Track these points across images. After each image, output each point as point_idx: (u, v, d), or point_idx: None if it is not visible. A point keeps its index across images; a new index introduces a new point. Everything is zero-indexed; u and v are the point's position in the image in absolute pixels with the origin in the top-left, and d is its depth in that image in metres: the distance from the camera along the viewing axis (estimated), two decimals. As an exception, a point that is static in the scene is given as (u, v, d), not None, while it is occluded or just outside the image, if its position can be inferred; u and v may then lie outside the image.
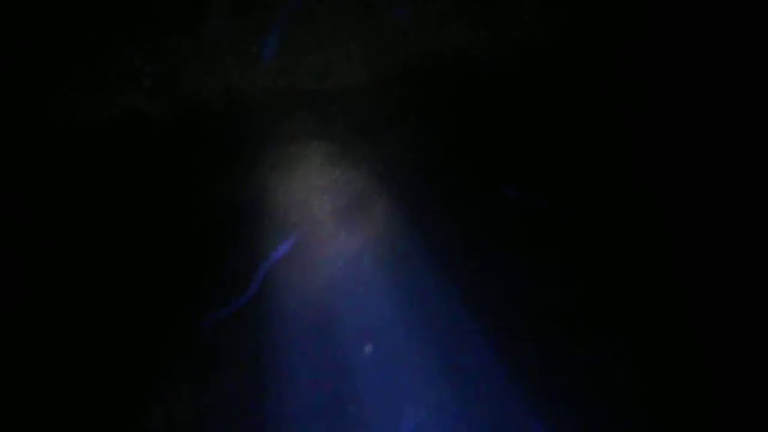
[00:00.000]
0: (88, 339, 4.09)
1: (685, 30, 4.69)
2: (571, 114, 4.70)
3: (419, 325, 4.41)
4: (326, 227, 4.60)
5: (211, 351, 4.33)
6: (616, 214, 4.55)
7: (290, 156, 4.56)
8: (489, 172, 4.72)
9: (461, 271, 4.57)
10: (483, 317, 4.38)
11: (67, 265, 4.23)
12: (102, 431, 4.00)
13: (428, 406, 4.29)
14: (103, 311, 4.21)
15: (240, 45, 4.36)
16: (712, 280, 4.26)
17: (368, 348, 4.40)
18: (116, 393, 4.08)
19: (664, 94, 4.64)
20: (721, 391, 4.00)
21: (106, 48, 4.18)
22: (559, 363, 4.19)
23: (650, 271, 4.38)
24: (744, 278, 4.19)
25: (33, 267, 4.19)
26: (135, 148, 4.27)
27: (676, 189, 4.51)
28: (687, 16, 4.70)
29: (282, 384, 4.28)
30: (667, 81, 4.65)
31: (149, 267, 4.31)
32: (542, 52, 4.67)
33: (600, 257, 4.41)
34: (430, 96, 4.71)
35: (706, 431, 3.96)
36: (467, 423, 4.18)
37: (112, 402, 4.06)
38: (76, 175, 4.26)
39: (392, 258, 4.58)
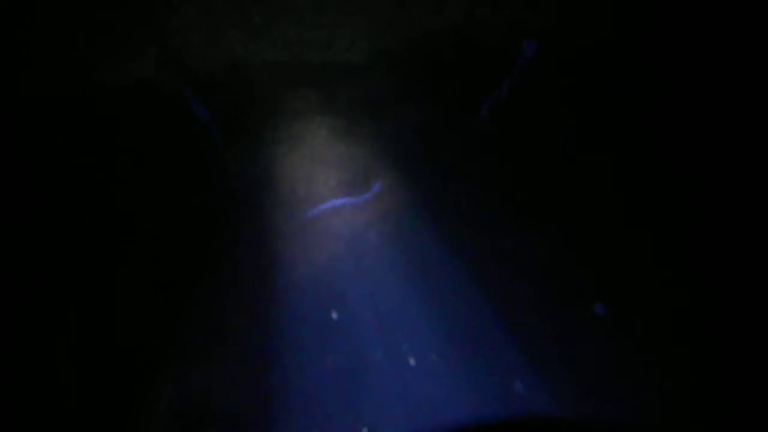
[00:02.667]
0: (90, 323, 3.64)
1: (686, 28, 5.01)
2: (566, 93, 4.89)
3: (424, 296, 4.32)
4: (331, 202, 4.45)
5: (219, 331, 3.96)
6: (616, 190, 4.63)
7: (295, 131, 4.44)
8: (489, 150, 4.81)
9: (465, 243, 4.54)
10: (488, 288, 4.33)
11: (71, 234, 3.81)
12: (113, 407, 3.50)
13: (435, 375, 4.13)
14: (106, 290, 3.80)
15: (242, 15, 4.29)
16: (714, 279, 4.20)
17: (374, 320, 4.22)
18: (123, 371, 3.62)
19: (659, 86, 4.90)
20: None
21: (114, 17, 3.99)
22: (563, 334, 4.19)
23: (653, 259, 4.42)
24: (747, 277, 4.13)
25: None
26: (143, 114, 4.00)
27: (680, 183, 4.56)
28: (688, 14, 5.04)
29: (290, 358, 3.99)
30: (665, 76, 4.93)
31: (152, 242, 3.96)
32: (534, 33, 4.92)
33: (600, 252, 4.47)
34: (433, 72, 4.80)
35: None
36: (474, 391, 4.08)
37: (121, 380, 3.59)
38: (89, 132, 3.92)
39: (397, 232, 4.49)
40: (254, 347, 4.05)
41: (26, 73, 3.79)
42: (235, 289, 4.02)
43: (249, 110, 4.27)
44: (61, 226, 3.76)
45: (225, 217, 4.17)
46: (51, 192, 3.83)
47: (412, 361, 4.18)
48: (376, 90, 4.66)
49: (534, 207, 4.51)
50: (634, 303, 4.06)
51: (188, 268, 3.98)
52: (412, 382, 4.15)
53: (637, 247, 4.23)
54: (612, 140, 4.61)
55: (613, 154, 4.58)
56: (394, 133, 4.67)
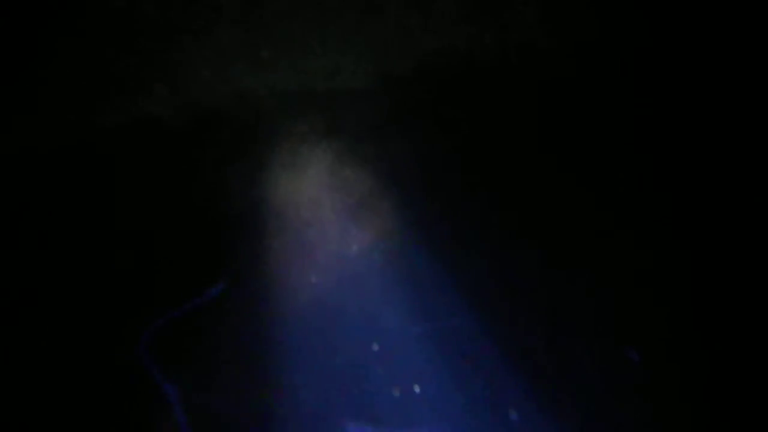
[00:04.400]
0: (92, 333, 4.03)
1: (683, 31, 4.83)
2: (573, 115, 4.77)
3: (424, 321, 4.31)
4: (336, 225, 4.57)
5: (215, 350, 4.20)
6: (616, 214, 4.49)
7: (301, 155, 4.62)
8: (492, 171, 4.73)
9: (465, 267, 4.48)
10: (486, 313, 4.26)
11: (76, 266, 4.23)
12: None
13: (431, 398, 4.11)
14: (109, 311, 4.16)
15: (250, 49, 4.55)
16: (715, 281, 4.11)
17: (375, 344, 4.27)
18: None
19: (664, 94, 4.72)
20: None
21: (119, 58, 4.39)
22: (558, 355, 4.04)
23: (651, 270, 4.26)
24: (747, 279, 4.03)
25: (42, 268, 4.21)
26: (147, 151, 4.37)
27: (677, 189, 4.46)
28: (685, 18, 4.85)
29: (287, 379, 4.13)
30: (666, 82, 4.74)
31: (158, 268, 4.29)
32: (544, 54, 4.81)
33: (600, 256, 4.31)
34: (437, 96, 4.82)
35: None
36: (470, 413, 4.02)
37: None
38: (88, 177, 4.36)
39: (400, 255, 4.51)
40: (254, 368, 4.22)
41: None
42: (233, 311, 4.24)
43: (254, 136, 4.50)
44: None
45: (230, 241, 4.41)
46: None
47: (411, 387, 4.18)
48: (382, 113, 4.73)
49: (535, 228, 4.38)
50: (638, 329, 3.86)
51: (189, 291, 4.25)
52: (409, 406, 4.15)
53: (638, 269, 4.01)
54: (613, 159, 4.41)
55: (610, 173, 4.39)
56: (400, 155, 4.71)
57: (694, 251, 4.21)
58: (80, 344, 4.05)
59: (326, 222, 4.59)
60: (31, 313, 4.09)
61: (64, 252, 4.23)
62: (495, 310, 4.31)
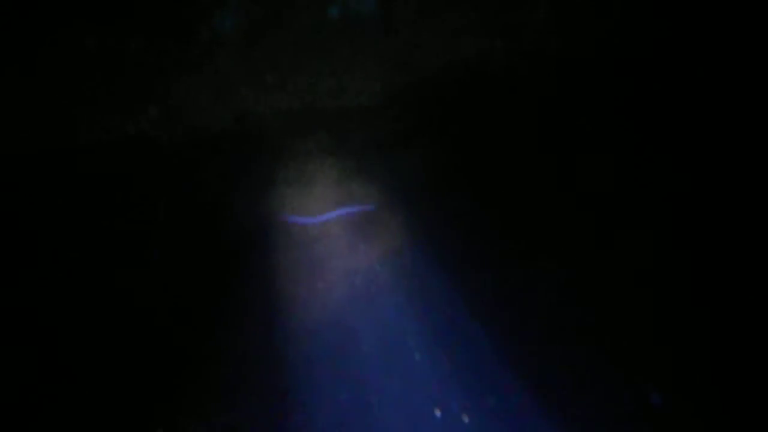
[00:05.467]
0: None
1: (691, 37, 4.69)
2: (581, 126, 4.67)
3: (431, 335, 4.25)
4: (343, 240, 4.58)
5: (225, 368, 4.25)
6: (625, 227, 4.33)
7: (307, 172, 4.68)
8: (500, 185, 4.65)
9: (474, 282, 4.40)
10: (493, 328, 4.17)
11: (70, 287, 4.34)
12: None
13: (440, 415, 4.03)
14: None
15: (254, 74, 4.67)
16: (716, 283, 3.93)
17: (384, 361, 4.23)
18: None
19: (672, 100, 4.57)
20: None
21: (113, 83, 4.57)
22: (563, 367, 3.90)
23: (653, 272, 4.07)
24: (747, 281, 3.87)
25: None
26: (142, 170, 4.50)
27: (680, 191, 4.31)
28: (693, 24, 4.72)
29: (297, 397, 4.13)
30: (675, 88, 4.60)
31: (161, 284, 4.38)
32: (554, 62, 4.74)
33: (602, 261, 4.16)
34: (444, 111, 4.80)
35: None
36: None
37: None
38: (74, 190, 4.49)
39: (408, 270, 4.48)
40: (264, 386, 4.25)
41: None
42: (245, 330, 4.29)
43: (260, 153, 4.59)
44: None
45: (238, 258, 4.49)
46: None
47: (418, 405, 4.11)
48: (389, 129, 4.75)
49: (541, 245, 4.26)
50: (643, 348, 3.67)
51: (197, 309, 4.33)
52: (419, 423, 4.08)
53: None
54: (624, 168, 4.25)
55: (621, 184, 4.23)
56: (407, 171, 4.71)
57: (696, 259, 4.02)
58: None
59: (334, 238, 4.62)
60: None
61: (52, 274, 4.30)
62: (504, 325, 4.21)
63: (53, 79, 4.54)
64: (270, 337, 4.36)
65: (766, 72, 4.26)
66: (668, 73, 4.61)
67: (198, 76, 4.45)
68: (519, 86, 4.74)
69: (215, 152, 4.53)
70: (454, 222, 4.59)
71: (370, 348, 4.32)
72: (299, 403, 4.18)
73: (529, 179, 4.58)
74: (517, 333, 4.10)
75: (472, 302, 4.30)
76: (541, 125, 4.70)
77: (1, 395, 3.91)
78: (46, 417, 4.00)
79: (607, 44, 4.75)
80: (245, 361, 4.32)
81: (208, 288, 4.50)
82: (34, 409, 3.96)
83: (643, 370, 3.77)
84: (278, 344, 4.32)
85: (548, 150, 4.64)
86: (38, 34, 4.45)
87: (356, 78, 4.75)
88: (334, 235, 4.62)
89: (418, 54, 4.80)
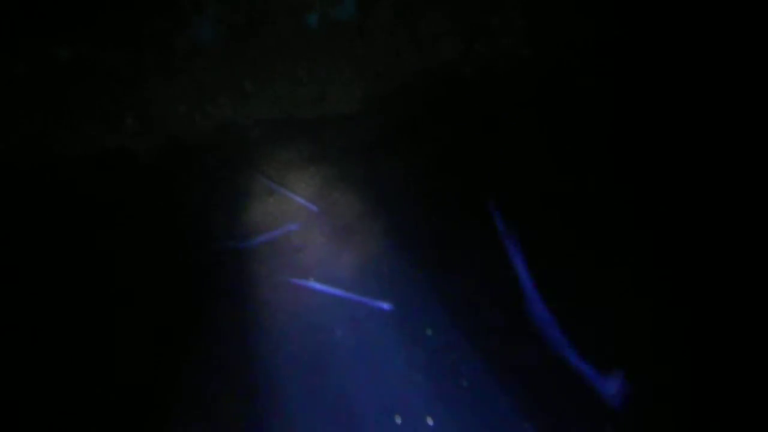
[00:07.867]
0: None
1: (670, 37, 4.80)
2: (564, 125, 4.73)
3: (413, 341, 4.21)
4: (326, 249, 4.53)
5: (207, 379, 4.14)
6: (613, 227, 4.37)
7: (289, 181, 4.64)
8: (480, 190, 4.66)
9: (457, 289, 4.38)
10: (480, 332, 4.14)
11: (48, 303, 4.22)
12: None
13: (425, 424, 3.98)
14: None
15: (232, 83, 4.62)
16: (710, 283, 3.97)
17: (367, 370, 4.18)
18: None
19: (653, 100, 4.65)
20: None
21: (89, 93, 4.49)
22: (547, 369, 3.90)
23: (643, 272, 4.12)
24: (745, 282, 3.90)
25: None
26: (120, 183, 4.42)
27: (671, 190, 4.38)
28: (673, 24, 4.83)
29: (280, 407, 4.05)
30: (654, 88, 4.68)
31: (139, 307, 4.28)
32: (532, 63, 4.80)
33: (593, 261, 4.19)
34: (424, 115, 4.82)
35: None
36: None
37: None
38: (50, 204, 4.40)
39: (391, 278, 4.44)
40: (246, 397, 4.15)
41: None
42: (225, 341, 4.20)
43: (239, 164, 4.53)
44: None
45: (216, 272, 4.40)
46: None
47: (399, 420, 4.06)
48: (370, 136, 4.74)
49: (525, 247, 4.26)
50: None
51: (174, 329, 4.23)
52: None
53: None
54: (608, 168, 4.31)
55: (605, 183, 4.27)
56: (389, 177, 4.69)
57: (694, 260, 4.05)
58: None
59: (316, 246, 4.56)
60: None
61: (26, 289, 4.19)
62: (490, 329, 4.18)
63: (26, 90, 4.45)
64: (249, 346, 4.28)
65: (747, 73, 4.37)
66: (647, 76, 4.70)
67: (177, 85, 4.39)
68: (498, 90, 4.79)
69: (194, 161, 4.45)
70: (436, 227, 4.58)
71: (351, 355, 4.26)
72: (278, 414, 4.09)
73: (511, 182, 4.60)
74: (501, 335, 4.08)
75: (455, 306, 4.27)
76: (521, 128, 4.74)
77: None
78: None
79: (585, 47, 4.84)
80: (221, 371, 4.23)
81: (186, 299, 4.40)
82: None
83: (631, 370, 3.77)
84: (259, 353, 4.25)
85: (528, 152, 4.67)
86: (8, 45, 4.36)
87: (336, 85, 4.74)
88: (316, 243, 4.56)
89: (397, 60, 4.81)
